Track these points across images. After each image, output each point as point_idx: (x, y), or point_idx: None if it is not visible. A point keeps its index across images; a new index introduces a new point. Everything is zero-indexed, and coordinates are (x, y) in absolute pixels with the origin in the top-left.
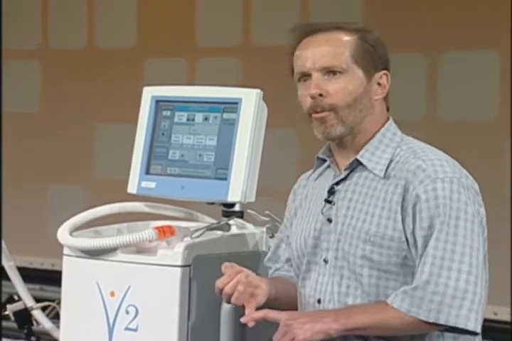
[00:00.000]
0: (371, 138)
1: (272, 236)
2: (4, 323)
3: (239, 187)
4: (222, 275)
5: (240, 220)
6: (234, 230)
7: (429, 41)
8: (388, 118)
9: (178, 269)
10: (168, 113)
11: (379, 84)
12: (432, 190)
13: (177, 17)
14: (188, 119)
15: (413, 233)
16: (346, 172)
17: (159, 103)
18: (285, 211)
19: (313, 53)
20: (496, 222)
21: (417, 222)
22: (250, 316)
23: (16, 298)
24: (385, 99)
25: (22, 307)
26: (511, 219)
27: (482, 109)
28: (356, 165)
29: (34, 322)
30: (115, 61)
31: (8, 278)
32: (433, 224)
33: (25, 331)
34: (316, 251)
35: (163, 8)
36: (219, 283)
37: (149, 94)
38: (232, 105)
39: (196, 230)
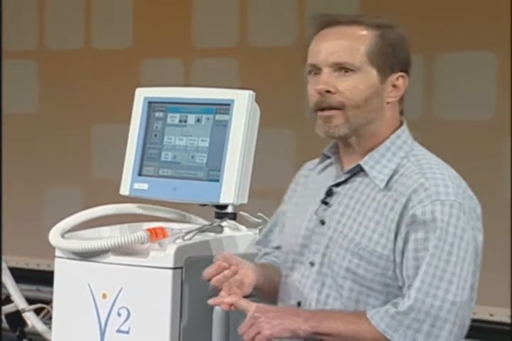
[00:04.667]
0: (379, 143)
1: None
2: None
3: (231, 189)
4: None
5: (232, 222)
6: (226, 232)
7: (426, 42)
8: (401, 124)
9: (170, 271)
10: (161, 114)
11: (394, 86)
12: (430, 212)
13: (173, 18)
14: (180, 121)
15: (402, 252)
16: (347, 175)
17: (152, 104)
18: (285, 198)
19: (327, 47)
20: (494, 222)
21: (410, 242)
22: (221, 299)
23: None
24: (400, 102)
25: (14, 309)
26: (511, 218)
27: (479, 110)
28: (358, 171)
29: (29, 324)
30: (112, 62)
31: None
32: (427, 246)
33: (18, 333)
34: (304, 251)
35: (159, 8)
36: (207, 273)
37: (142, 95)
38: (225, 106)
39: (188, 232)
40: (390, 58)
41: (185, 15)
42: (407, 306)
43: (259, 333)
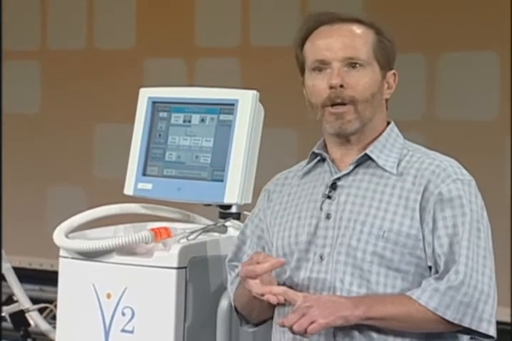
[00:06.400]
0: (375, 139)
1: None
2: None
3: (235, 189)
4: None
5: (236, 222)
6: (231, 232)
7: (429, 42)
8: (389, 120)
9: (174, 271)
10: (165, 114)
11: (387, 83)
12: (455, 189)
13: (176, 17)
14: (184, 121)
15: (432, 231)
16: (351, 167)
17: (156, 104)
18: (256, 211)
19: (336, 42)
20: (495, 221)
21: (439, 220)
22: (269, 288)
23: (15, 298)
24: (387, 100)
25: (18, 308)
26: (511, 218)
27: (481, 110)
28: (363, 161)
29: (32, 323)
30: (114, 61)
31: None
32: (457, 223)
33: (22, 333)
34: (310, 247)
35: (162, 8)
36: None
37: (146, 95)
38: (229, 106)
39: (192, 232)
40: (389, 55)
41: (187, 15)
42: (459, 281)
43: (312, 323)
